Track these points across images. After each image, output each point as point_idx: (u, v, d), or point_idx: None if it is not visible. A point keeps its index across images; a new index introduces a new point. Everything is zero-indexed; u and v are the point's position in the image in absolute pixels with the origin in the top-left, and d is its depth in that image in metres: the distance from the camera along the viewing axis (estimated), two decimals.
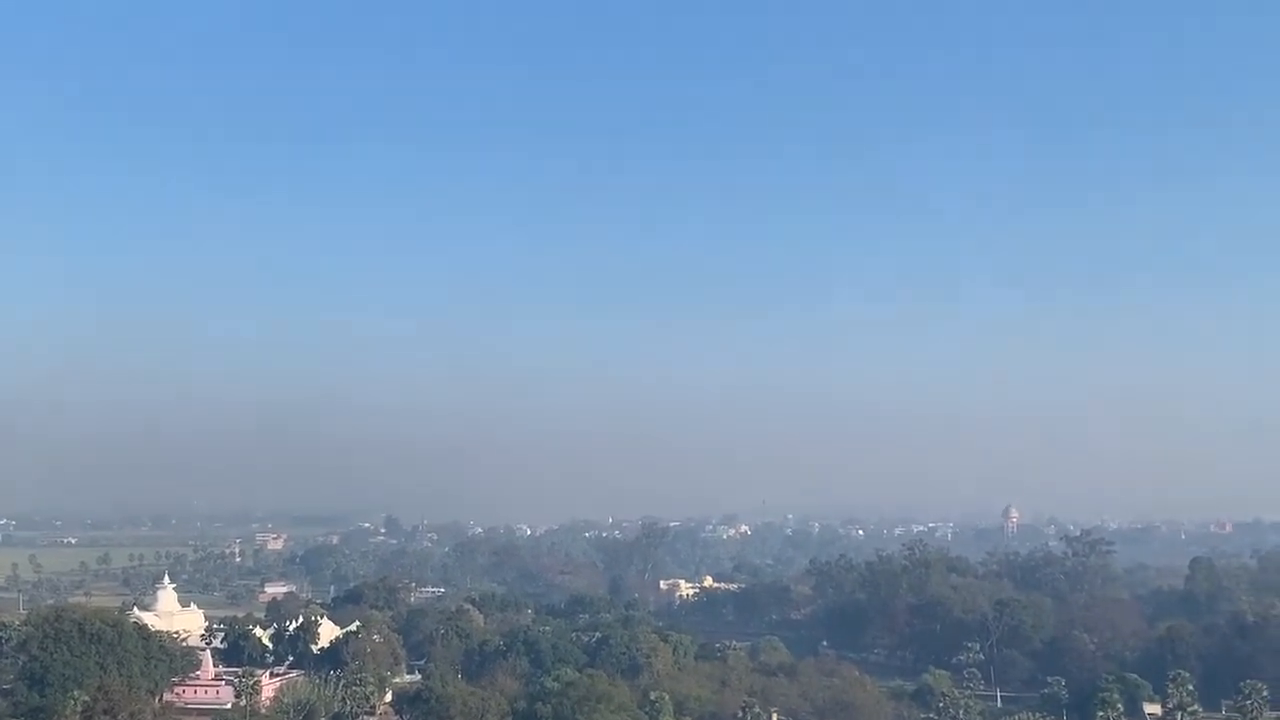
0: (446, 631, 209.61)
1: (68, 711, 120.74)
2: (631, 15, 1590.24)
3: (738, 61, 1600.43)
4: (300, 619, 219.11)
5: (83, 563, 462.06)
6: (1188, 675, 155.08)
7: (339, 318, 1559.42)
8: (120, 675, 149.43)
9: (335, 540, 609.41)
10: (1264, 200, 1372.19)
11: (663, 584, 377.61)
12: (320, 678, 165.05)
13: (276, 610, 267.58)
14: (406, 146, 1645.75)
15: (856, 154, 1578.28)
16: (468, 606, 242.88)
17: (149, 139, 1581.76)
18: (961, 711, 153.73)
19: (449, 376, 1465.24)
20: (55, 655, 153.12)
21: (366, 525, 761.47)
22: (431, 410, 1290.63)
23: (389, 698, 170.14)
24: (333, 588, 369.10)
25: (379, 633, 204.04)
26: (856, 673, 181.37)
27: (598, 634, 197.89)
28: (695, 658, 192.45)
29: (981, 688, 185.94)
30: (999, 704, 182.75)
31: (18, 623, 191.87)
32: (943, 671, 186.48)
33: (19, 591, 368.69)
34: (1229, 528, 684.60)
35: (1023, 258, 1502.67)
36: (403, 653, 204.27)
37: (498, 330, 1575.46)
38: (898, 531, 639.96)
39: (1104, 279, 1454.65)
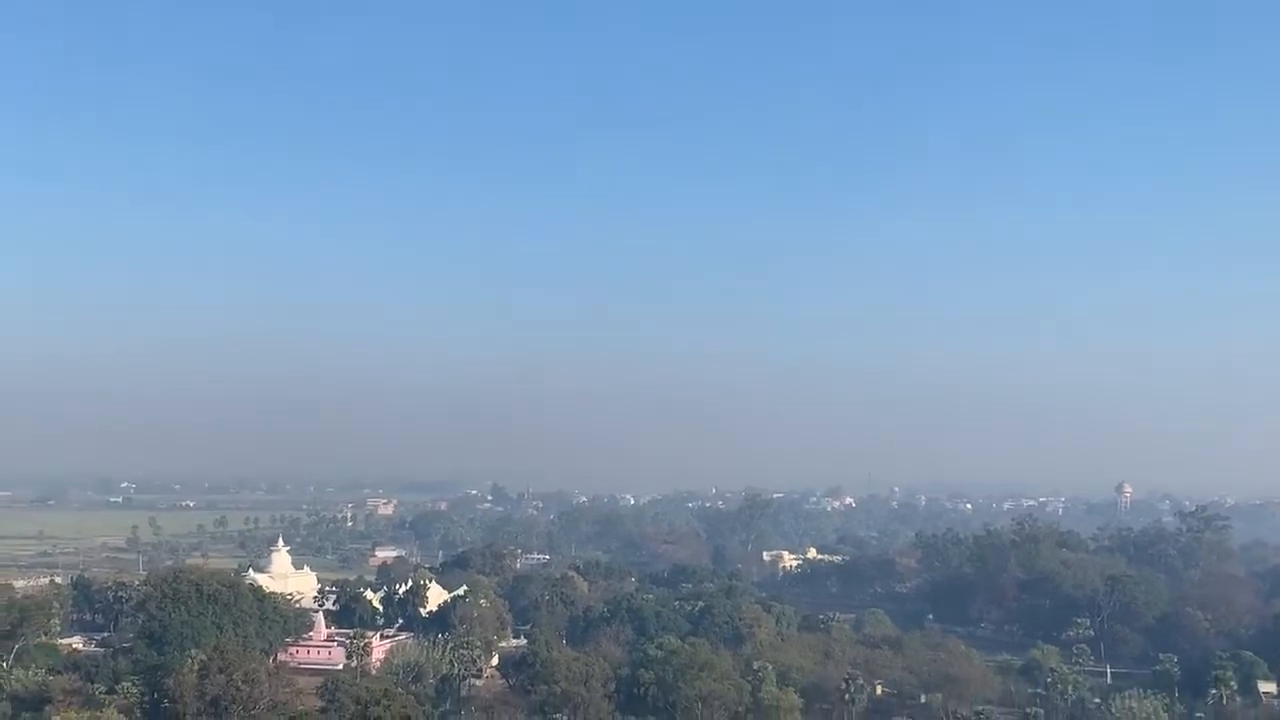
0: (551, 598, 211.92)
1: (185, 669, 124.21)
2: None
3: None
4: (409, 583, 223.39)
5: (200, 525, 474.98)
6: None
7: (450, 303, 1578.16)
8: (236, 635, 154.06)
9: (443, 507, 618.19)
10: None
11: (766, 555, 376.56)
12: (429, 640, 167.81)
13: (386, 574, 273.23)
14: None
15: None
16: (572, 574, 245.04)
17: None
18: (1070, 687, 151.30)
19: (554, 356, 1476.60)
20: (174, 614, 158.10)
21: (474, 492, 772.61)
22: (540, 385, 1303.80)
23: (495, 661, 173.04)
24: (441, 553, 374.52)
25: (486, 598, 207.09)
26: (963, 646, 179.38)
27: (700, 603, 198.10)
28: (798, 629, 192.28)
29: (1091, 664, 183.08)
30: (1109, 680, 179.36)
31: (138, 583, 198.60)
32: (1051, 647, 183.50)
33: (139, 553, 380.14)
34: None
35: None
36: (509, 617, 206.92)
37: (598, 314, 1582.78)
38: (1006, 506, 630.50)
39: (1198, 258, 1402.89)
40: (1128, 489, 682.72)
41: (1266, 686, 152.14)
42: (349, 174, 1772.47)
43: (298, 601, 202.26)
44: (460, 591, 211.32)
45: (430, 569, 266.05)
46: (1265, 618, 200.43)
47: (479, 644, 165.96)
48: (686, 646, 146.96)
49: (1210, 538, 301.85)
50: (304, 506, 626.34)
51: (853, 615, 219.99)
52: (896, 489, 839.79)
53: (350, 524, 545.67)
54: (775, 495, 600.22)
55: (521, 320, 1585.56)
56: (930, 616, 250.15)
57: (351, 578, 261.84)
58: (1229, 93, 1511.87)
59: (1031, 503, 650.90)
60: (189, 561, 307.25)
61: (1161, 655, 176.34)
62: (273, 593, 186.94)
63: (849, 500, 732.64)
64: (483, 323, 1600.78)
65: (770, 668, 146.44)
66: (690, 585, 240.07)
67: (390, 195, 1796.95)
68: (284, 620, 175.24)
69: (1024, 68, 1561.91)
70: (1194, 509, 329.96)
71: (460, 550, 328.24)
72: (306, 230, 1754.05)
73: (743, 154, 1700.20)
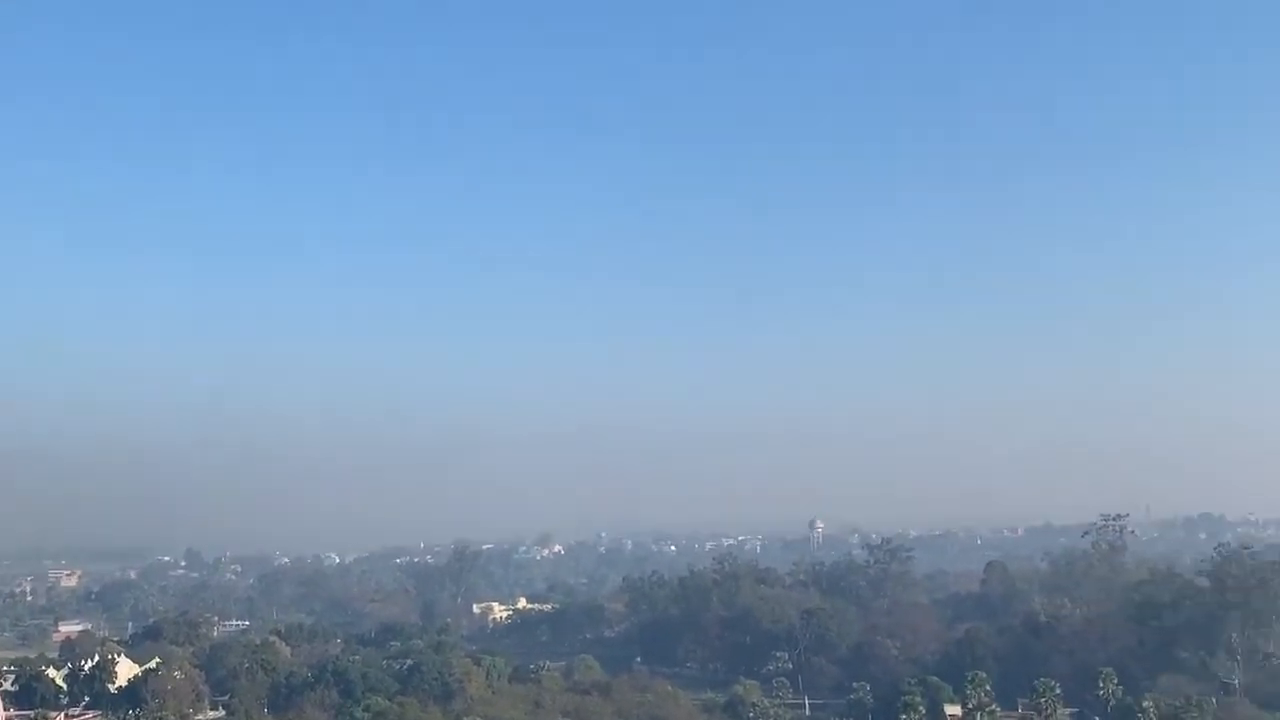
0: (251, 665, 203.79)
1: None
2: None
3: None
4: (96, 657, 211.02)
5: None
6: (985, 676, 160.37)
7: (121, 349, 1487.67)
8: None
9: (133, 575, 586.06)
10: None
11: (476, 607, 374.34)
12: (118, 718, 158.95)
13: (71, 649, 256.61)
14: None
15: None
16: (273, 639, 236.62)
17: None
18: None
19: (244, 404, 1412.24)
20: None
21: (166, 559, 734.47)
22: (228, 439, 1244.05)
23: None
24: (131, 624, 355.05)
25: (180, 669, 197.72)
26: (669, 687, 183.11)
27: (409, 661, 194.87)
28: (509, 680, 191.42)
29: (790, 696, 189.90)
30: (807, 711, 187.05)
31: None
32: (752, 682, 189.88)
33: None
34: (1021, 532, 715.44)
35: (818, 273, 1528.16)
36: (205, 689, 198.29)
37: (298, 356, 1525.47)
38: (709, 546, 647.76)
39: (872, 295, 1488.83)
40: (820, 524, 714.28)
41: (952, 709, 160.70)
42: None
43: None
44: (152, 664, 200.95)
45: (119, 642, 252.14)
46: (948, 643, 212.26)
47: (173, 718, 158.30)
48: (395, 706, 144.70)
49: (896, 568, 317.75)
50: None
51: (563, 663, 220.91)
52: (603, 534, 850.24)
53: (29, 598, 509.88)
54: (485, 546, 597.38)
55: (210, 373, 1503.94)
56: (638, 659, 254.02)
57: (32, 655, 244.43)
58: None
59: (731, 541, 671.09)
60: None
61: (855, 684, 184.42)
62: None
63: (558, 548, 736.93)
64: (164, 374, 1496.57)
65: None
66: (399, 643, 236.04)
67: None
68: None
69: None
70: (880, 541, 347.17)
71: (152, 620, 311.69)
72: None
73: None
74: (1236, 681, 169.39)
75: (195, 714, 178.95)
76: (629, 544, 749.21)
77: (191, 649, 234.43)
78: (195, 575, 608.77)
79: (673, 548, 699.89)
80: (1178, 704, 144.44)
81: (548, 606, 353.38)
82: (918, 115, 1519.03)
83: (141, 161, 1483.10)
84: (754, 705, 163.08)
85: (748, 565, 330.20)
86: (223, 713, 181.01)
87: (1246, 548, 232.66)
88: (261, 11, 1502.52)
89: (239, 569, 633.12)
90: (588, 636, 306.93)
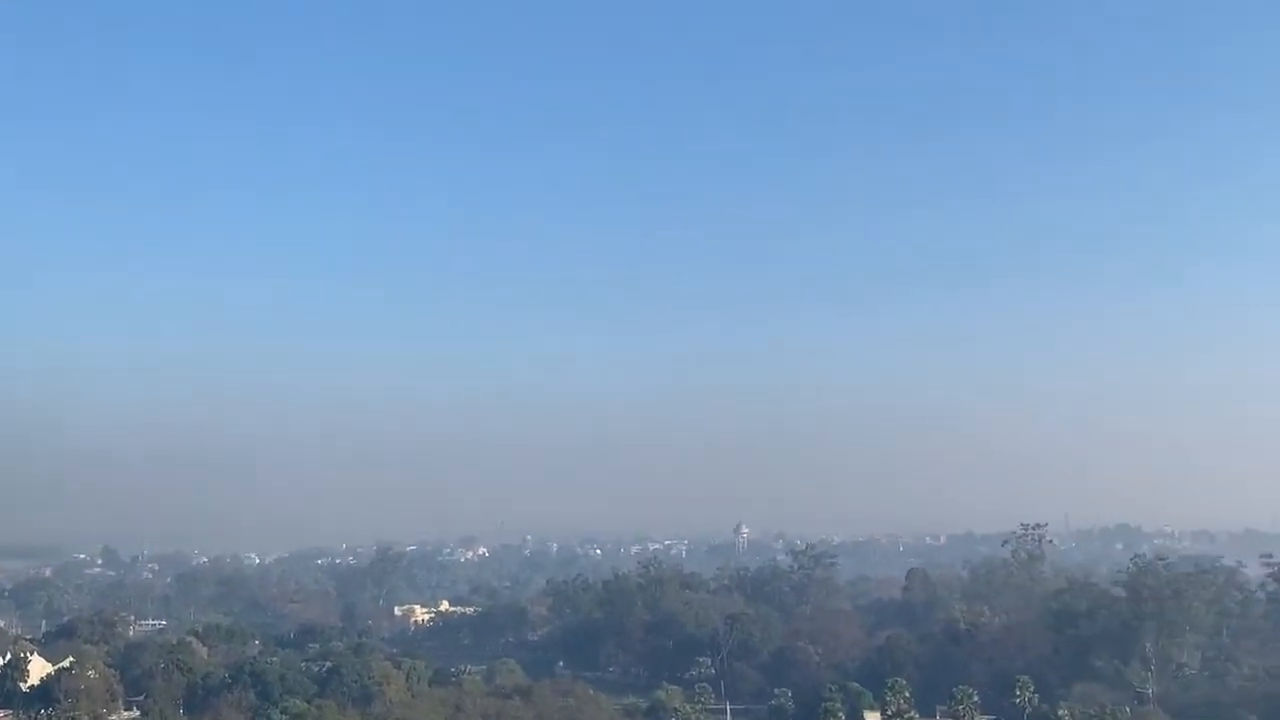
0: (167, 665, 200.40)
1: None
2: None
3: None
4: (8, 656, 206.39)
5: None
6: (905, 682, 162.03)
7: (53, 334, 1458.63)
8: None
9: (48, 573, 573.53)
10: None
11: (397, 610, 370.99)
12: (29, 718, 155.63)
13: None
14: None
15: None
16: (190, 639, 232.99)
17: None
18: None
19: (163, 402, 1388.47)
20: None
21: (83, 557, 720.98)
22: (147, 437, 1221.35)
23: None
24: (44, 623, 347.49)
25: (94, 668, 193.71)
26: (591, 691, 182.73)
27: (328, 663, 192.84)
28: (430, 683, 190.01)
29: (712, 701, 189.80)
30: (729, 717, 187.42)
31: None
32: (675, 687, 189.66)
33: None
34: (943, 540, 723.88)
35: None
36: (120, 689, 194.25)
37: (215, 353, 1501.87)
38: (634, 550, 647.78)
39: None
40: (745, 530, 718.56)
41: (872, 715, 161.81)
42: None
43: None
44: (65, 663, 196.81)
45: (32, 640, 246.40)
46: (869, 649, 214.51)
47: (86, 718, 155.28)
48: (312, 709, 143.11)
49: (820, 574, 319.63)
50: None
51: (485, 666, 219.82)
52: (529, 537, 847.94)
53: None
54: (408, 548, 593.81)
55: (137, 364, 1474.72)
56: (561, 663, 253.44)
57: None
58: None
59: (657, 546, 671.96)
60: None
61: (777, 690, 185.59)
62: None
63: (483, 550, 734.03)
64: (79, 372, 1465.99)
65: None
66: (318, 645, 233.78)
67: None
68: None
69: None
70: (805, 547, 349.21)
71: (66, 619, 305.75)
72: None
73: None
74: (1150, 691, 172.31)
75: (109, 714, 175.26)
76: (554, 547, 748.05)
77: (106, 648, 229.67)
78: (112, 573, 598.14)
79: (598, 551, 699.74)
80: (1092, 712, 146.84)
81: (470, 610, 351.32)
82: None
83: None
84: (676, 710, 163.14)
85: (673, 570, 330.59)
86: (137, 713, 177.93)
87: (1162, 559, 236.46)
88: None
89: (156, 568, 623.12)
90: (510, 640, 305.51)
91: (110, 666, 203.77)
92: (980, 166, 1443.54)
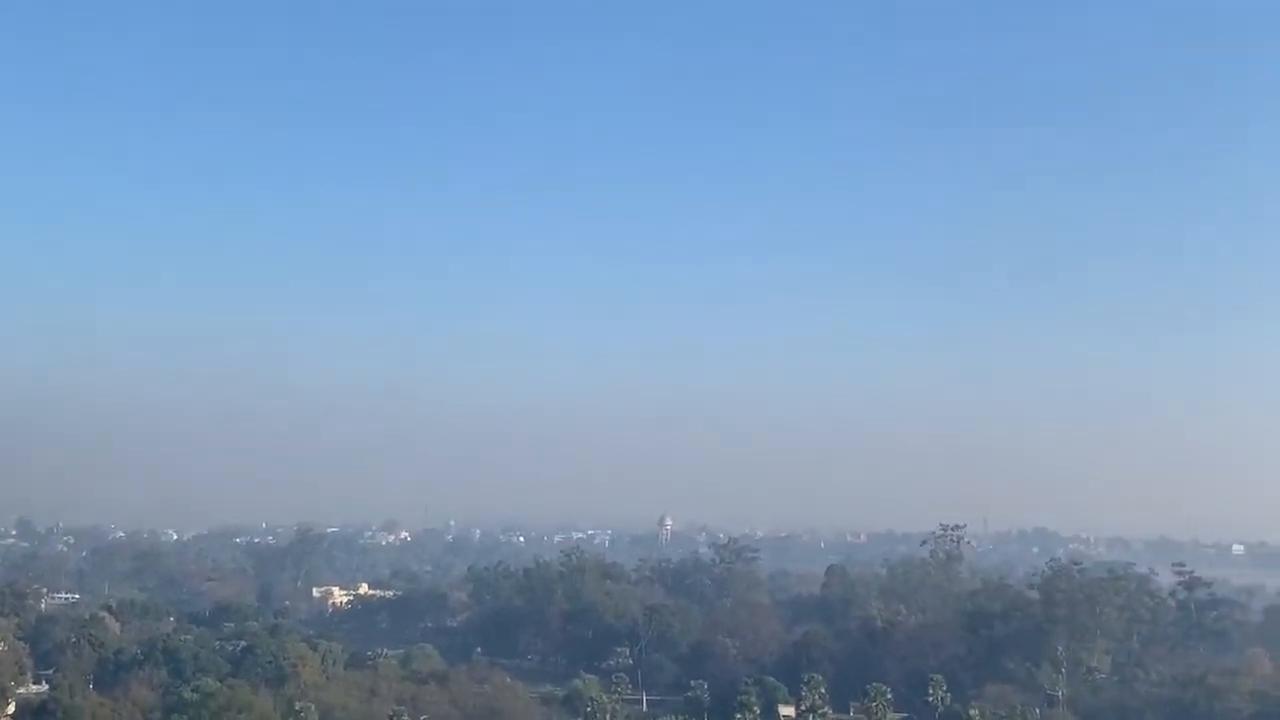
0: (78, 640, 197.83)
1: None
2: None
3: None
4: None
5: None
6: (820, 678, 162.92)
7: None
8: None
9: None
10: None
11: (316, 591, 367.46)
12: None
13: None
14: None
15: None
16: (103, 614, 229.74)
17: None
18: (609, 716, 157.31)
19: (80, 372, 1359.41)
20: None
21: None
22: (64, 408, 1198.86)
23: (12, 709, 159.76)
24: None
25: (3, 640, 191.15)
26: (508, 679, 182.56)
27: (243, 643, 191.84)
28: (345, 666, 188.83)
29: (629, 692, 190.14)
30: (645, 708, 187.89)
31: None
32: (592, 677, 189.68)
33: None
34: (864, 537, 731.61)
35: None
36: (29, 662, 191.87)
37: (140, 321, 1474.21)
38: (558, 539, 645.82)
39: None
40: (669, 522, 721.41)
41: (786, 710, 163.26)
42: None
43: None
44: None
45: None
46: (787, 644, 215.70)
47: None
48: (225, 688, 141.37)
49: (741, 568, 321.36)
50: None
51: (402, 651, 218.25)
52: (453, 523, 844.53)
53: None
54: (329, 530, 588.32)
55: (47, 326, 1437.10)
56: (479, 650, 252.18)
57: None
58: None
59: (581, 535, 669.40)
60: None
61: (693, 682, 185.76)
62: None
63: (405, 534, 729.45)
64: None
65: (313, 708, 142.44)
66: (233, 624, 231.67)
67: None
68: None
69: None
70: (727, 541, 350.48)
71: None
72: None
73: None
74: (1060, 693, 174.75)
75: (16, 687, 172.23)
76: (477, 533, 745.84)
77: (16, 620, 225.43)
78: (25, 545, 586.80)
79: (521, 539, 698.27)
80: (1003, 713, 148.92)
81: (390, 593, 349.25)
82: None
83: None
84: (592, 700, 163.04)
85: (595, 559, 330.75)
86: (45, 687, 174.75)
87: (1076, 564, 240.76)
88: None
89: (72, 540, 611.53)
90: (429, 625, 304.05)
91: (20, 639, 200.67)
92: None
